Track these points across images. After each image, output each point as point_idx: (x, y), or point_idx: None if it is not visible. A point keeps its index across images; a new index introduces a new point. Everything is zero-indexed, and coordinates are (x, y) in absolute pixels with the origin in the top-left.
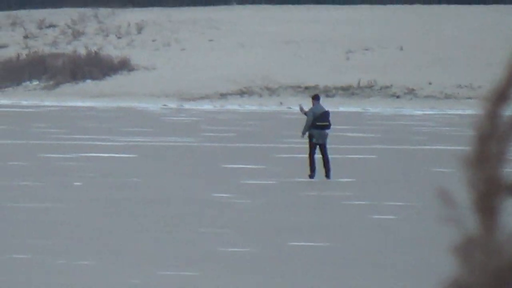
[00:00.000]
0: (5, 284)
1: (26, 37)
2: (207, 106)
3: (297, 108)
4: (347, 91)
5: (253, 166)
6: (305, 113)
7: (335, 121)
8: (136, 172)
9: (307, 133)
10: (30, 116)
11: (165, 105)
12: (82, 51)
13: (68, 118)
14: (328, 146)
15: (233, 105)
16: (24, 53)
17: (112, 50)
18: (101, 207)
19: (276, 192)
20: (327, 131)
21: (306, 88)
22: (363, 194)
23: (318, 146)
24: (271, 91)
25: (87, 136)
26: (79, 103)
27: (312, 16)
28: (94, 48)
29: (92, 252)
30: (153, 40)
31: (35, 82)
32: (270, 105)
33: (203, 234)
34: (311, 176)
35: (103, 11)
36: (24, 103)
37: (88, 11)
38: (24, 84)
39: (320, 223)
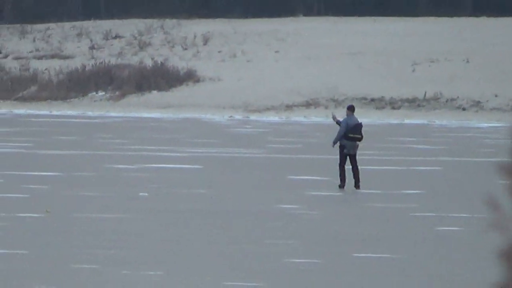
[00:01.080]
0: None
1: (92, 48)
2: (273, 117)
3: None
4: (413, 103)
5: (319, 178)
6: (338, 122)
7: (402, 133)
8: (202, 184)
9: (338, 143)
10: (96, 127)
11: (231, 116)
12: (148, 62)
13: (134, 129)
14: (391, 158)
15: (299, 116)
16: (90, 64)
17: (178, 61)
18: (167, 218)
19: (341, 204)
20: (358, 142)
21: (372, 100)
22: (429, 206)
23: (348, 157)
24: (337, 103)
25: (153, 147)
26: (145, 114)
27: (378, 27)
28: (160, 59)
29: (158, 263)
30: (219, 52)
31: (101, 93)
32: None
33: (270, 245)
34: (341, 186)
35: (169, 22)
36: (90, 114)
37: (154, 22)
38: (90, 95)
39: (385, 234)
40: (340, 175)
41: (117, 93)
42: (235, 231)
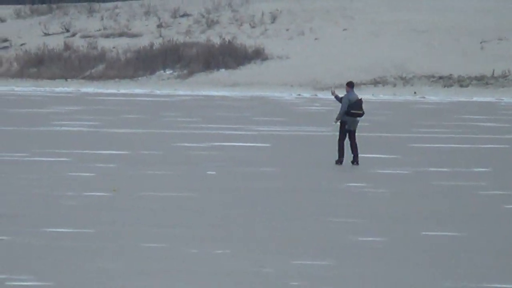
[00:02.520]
0: (142, 273)
1: (160, 26)
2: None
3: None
4: (481, 81)
5: (387, 156)
6: (337, 98)
7: (469, 111)
8: (269, 162)
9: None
10: (164, 105)
11: (299, 94)
12: (216, 40)
13: (201, 107)
14: (458, 135)
15: (367, 94)
16: (158, 42)
17: (246, 39)
18: (235, 197)
19: (409, 182)
20: (358, 118)
21: (440, 77)
22: (497, 184)
23: (348, 133)
24: (405, 81)
25: (220, 126)
26: (213, 92)
27: (446, 4)
28: (228, 37)
29: (226, 241)
30: (287, 30)
31: (169, 72)
32: (403, 95)
33: (337, 223)
34: (340, 161)
35: (237, 0)
36: (158, 92)
37: (222, 0)
38: (157, 73)
39: (453, 212)
40: (338, 151)
41: (184, 71)
42: (302, 209)
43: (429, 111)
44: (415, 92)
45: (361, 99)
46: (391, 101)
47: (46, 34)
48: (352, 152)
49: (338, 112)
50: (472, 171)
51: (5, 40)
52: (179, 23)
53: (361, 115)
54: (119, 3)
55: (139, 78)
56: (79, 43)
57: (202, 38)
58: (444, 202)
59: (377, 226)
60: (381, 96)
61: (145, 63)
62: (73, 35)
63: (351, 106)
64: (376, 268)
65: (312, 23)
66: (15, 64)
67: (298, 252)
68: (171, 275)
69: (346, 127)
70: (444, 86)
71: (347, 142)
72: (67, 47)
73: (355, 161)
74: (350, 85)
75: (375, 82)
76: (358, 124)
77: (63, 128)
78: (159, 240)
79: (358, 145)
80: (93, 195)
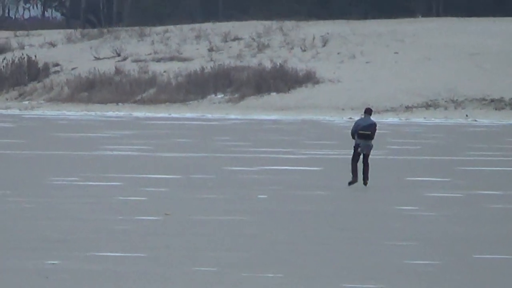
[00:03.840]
0: None
1: (211, 50)
2: (392, 119)
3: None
4: None
5: (438, 179)
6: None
7: None
8: (320, 185)
9: (354, 143)
10: (215, 129)
11: (350, 118)
12: (267, 64)
13: (252, 131)
14: (510, 158)
15: (418, 118)
16: (208, 66)
17: (297, 62)
18: (286, 220)
19: (461, 205)
20: (370, 142)
21: (492, 100)
22: None
23: (362, 156)
24: (457, 104)
25: (271, 149)
26: (264, 116)
27: (497, 27)
28: (279, 61)
29: (277, 265)
30: (338, 53)
31: (220, 95)
32: (455, 118)
33: (389, 246)
34: (352, 182)
35: (288, 24)
36: (209, 116)
37: (273, 24)
38: (208, 97)
39: (505, 235)
40: (352, 172)
41: (236, 95)
42: (354, 232)
43: (481, 134)
44: (466, 115)
45: (372, 124)
46: (443, 124)
47: (97, 59)
48: (363, 173)
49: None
50: None
51: (56, 65)
52: (230, 47)
53: (368, 135)
54: (170, 27)
55: (190, 102)
56: (130, 67)
57: (253, 62)
58: (496, 225)
59: (429, 250)
60: (433, 119)
61: (196, 87)
62: (124, 59)
63: (361, 129)
64: None
65: (363, 46)
66: (66, 88)
67: (350, 275)
68: None
69: (359, 150)
70: (496, 109)
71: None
72: (118, 71)
73: (364, 181)
74: (367, 112)
75: (427, 105)
76: (372, 149)
77: (114, 152)
78: (210, 265)
79: (370, 167)
80: (144, 219)
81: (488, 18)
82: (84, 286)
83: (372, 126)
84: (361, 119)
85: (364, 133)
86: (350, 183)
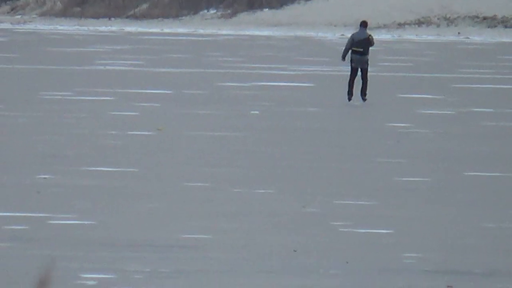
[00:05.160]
0: (183, 212)
1: None
2: (384, 35)
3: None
4: None
5: (430, 96)
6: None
7: None
8: (312, 102)
9: (348, 57)
10: (207, 45)
11: (342, 34)
12: None
13: (244, 47)
14: (503, 76)
15: (411, 35)
16: None
17: None
18: (278, 136)
19: (453, 122)
20: (365, 57)
21: (484, 18)
22: None
23: (360, 71)
24: (449, 21)
25: (263, 65)
26: (256, 32)
27: None
28: None
29: (269, 181)
30: None
31: (212, 11)
32: (447, 35)
33: (380, 163)
34: (349, 99)
35: None
36: (201, 31)
37: None
38: (201, 13)
39: (497, 152)
40: (348, 88)
41: (228, 11)
42: (346, 149)
43: (473, 52)
44: (459, 33)
45: (366, 38)
46: (435, 41)
47: None
48: (361, 89)
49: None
50: None
51: None
52: None
53: (361, 52)
54: None
55: (183, 17)
56: None
57: None
58: (487, 143)
59: (420, 167)
60: (425, 36)
61: (188, 2)
62: None
63: (354, 44)
64: (419, 208)
65: None
66: (58, 3)
67: (341, 192)
68: (214, 215)
69: (353, 64)
70: (488, 27)
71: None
72: None
73: (362, 98)
74: (362, 24)
75: (419, 22)
76: (368, 63)
77: (107, 67)
78: (203, 180)
79: (367, 83)
80: (137, 134)
81: None
82: (76, 201)
83: (365, 41)
84: (355, 33)
85: (356, 49)
86: (348, 99)
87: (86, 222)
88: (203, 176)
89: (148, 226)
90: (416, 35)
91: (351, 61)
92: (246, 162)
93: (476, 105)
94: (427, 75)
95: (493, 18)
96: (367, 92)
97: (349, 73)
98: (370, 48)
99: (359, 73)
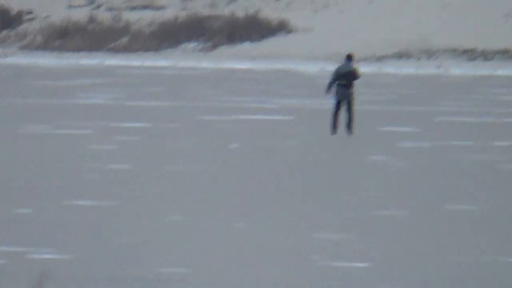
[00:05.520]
0: (161, 246)
1: None
2: (364, 68)
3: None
4: (506, 54)
5: (410, 129)
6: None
7: (493, 85)
8: (292, 135)
9: (333, 91)
10: (187, 78)
11: (323, 67)
12: (240, 13)
13: (225, 80)
14: (481, 108)
15: (391, 67)
16: (182, 15)
17: (270, 12)
18: (257, 170)
19: (431, 155)
20: (350, 90)
21: (464, 51)
22: None
23: (346, 104)
24: (429, 54)
25: (244, 98)
26: (237, 65)
27: None
28: (252, 10)
29: (247, 214)
30: (312, 2)
31: (193, 44)
32: (427, 68)
33: (358, 197)
34: (332, 132)
35: None
36: (182, 64)
37: None
38: (182, 46)
39: (475, 186)
40: (331, 121)
41: (209, 44)
42: (325, 182)
43: (453, 85)
44: (439, 65)
45: (350, 71)
46: (415, 74)
47: (70, 7)
48: (347, 123)
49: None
50: (494, 145)
51: (30, 13)
52: None
53: (345, 84)
54: None
55: (163, 50)
56: (103, 15)
57: (226, 11)
58: (465, 176)
59: (397, 200)
60: (405, 69)
61: (169, 35)
62: (98, 7)
63: (338, 77)
64: (397, 240)
65: None
66: (39, 36)
67: (319, 225)
68: (192, 249)
69: (337, 98)
70: (468, 60)
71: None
72: (91, 19)
73: (347, 131)
74: (347, 58)
75: (399, 55)
76: (353, 96)
77: (87, 100)
78: (181, 213)
79: (354, 116)
80: (116, 168)
81: None
82: (54, 235)
83: (350, 74)
84: (340, 66)
85: (341, 82)
86: (332, 133)
87: (64, 256)
88: (181, 210)
89: (127, 260)
90: (396, 67)
91: (336, 94)
92: (224, 195)
93: (456, 138)
94: (407, 108)
95: (473, 51)
96: (353, 126)
97: (333, 107)
98: (355, 81)
99: (344, 106)
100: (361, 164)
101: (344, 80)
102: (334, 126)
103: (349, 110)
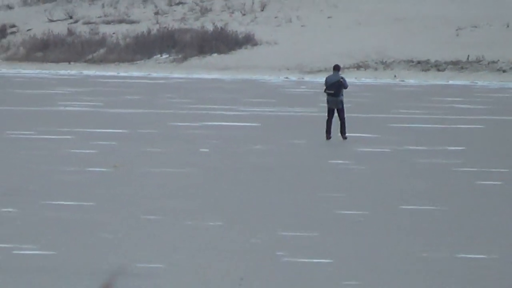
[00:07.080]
0: (137, 243)
1: (156, 13)
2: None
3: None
4: (457, 65)
5: (369, 135)
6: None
7: (446, 94)
8: (259, 140)
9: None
10: (160, 87)
11: (286, 77)
12: (209, 27)
13: (195, 89)
14: (436, 116)
15: (350, 78)
16: (155, 28)
17: (237, 26)
18: (226, 173)
19: (389, 159)
20: (339, 98)
21: (418, 62)
22: (471, 162)
23: (336, 111)
24: (385, 65)
25: (213, 106)
26: (206, 76)
27: None
28: (220, 24)
29: (218, 214)
30: (276, 17)
31: (165, 56)
32: (384, 78)
33: (322, 197)
34: (327, 137)
35: None
36: (154, 75)
37: None
38: (154, 57)
39: (430, 188)
40: (326, 127)
41: (179, 56)
42: (289, 184)
43: (408, 94)
44: (395, 76)
45: (338, 81)
46: (373, 84)
47: (50, 21)
48: (340, 128)
49: None
50: (447, 150)
51: (13, 26)
52: (175, 11)
53: (332, 94)
54: None
55: (137, 61)
56: (81, 29)
57: (196, 25)
58: (421, 178)
59: (359, 201)
60: (363, 79)
61: (143, 48)
62: (76, 21)
63: (327, 87)
64: (358, 239)
65: (299, 11)
66: (21, 48)
67: (285, 224)
68: (166, 245)
69: (328, 106)
70: (422, 70)
71: (336, 119)
72: (70, 32)
73: (341, 134)
74: (335, 68)
75: (358, 66)
76: (343, 104)
77: (67, 108)
78: (156, 213)
79: (346, 123)
80: (94, 171)
81: None
82: (38, 233)
83: (336, 84)
84: (329, 76)
85: (329, 92)
86: (327, 139)
87: (47, 253)
88: (157, 209)
89: (106, 256)
90: (355, 78)
91: (327, 102)
92: (196, 196)
93: (411, 143)
94: (365, 116)
95: (427, 62)
96: (345, 131)
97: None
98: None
99: (335, 113)
100: (324, 167)
101: (332, 89)
102: (328, 131)
103: (341, 117)
